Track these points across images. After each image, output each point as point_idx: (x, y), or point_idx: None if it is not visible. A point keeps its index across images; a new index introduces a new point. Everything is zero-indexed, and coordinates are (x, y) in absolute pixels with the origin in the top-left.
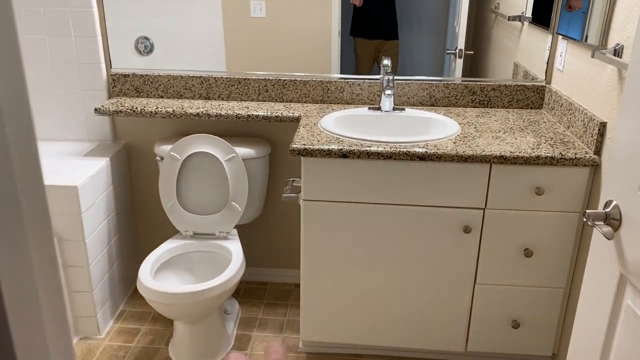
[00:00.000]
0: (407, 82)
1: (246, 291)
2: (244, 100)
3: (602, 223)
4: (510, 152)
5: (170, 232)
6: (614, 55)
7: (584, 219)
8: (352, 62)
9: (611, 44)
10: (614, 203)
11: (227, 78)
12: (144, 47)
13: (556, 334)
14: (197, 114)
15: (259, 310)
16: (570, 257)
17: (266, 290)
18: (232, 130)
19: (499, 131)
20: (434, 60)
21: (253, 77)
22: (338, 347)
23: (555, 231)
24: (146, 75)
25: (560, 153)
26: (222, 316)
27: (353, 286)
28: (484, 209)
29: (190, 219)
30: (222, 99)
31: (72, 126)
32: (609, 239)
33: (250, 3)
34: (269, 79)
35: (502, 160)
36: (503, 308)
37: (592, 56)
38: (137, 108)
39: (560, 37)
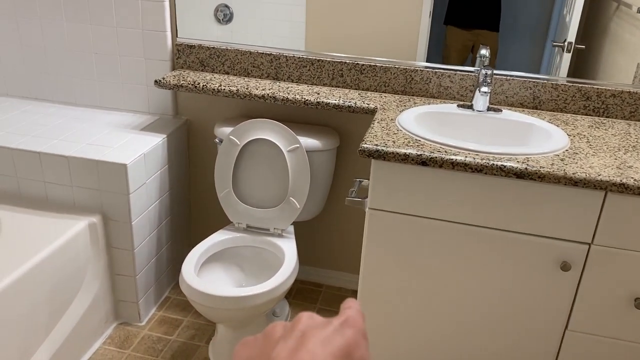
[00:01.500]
0: (507, 78)
1: (299, 291)
2: (315, 85)
3: None
4: (635, 180)
5: (225, 220)
6: None
7: None
8: (441, 52)
9: None
10: None
11: (299, 58)
12: (223, 15)
13: None
14: (263, 96)
15: None
16: None
17: (321, 292)
18: (299, 116)
19: (619, 150)
20: (531, 53)
21: (328, 59)
22: None
23: None
24: (213, 48)
25: None
26: (270, 319)
27: (415, 313)
28: (589, 244)
29: (245, 210)
30: (292, 81)
31: (133, 97)
32: None
33: None
34: (345, 63)
35: (623, 189)
36: None
37: None
38: (199, 84)
39: None
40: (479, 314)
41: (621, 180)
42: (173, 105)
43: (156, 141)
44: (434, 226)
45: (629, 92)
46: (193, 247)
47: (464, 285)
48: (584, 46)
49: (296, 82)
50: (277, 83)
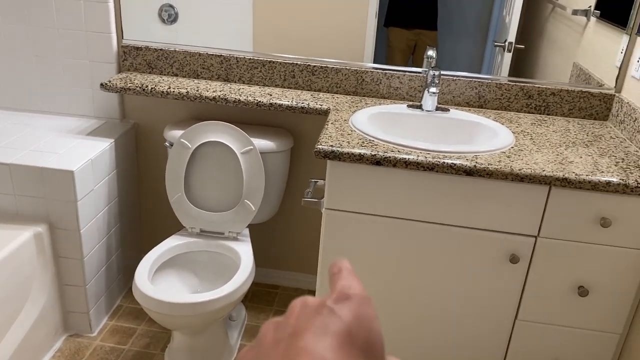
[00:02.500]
0: (453, 78)
1: (255, 294)
2: (267, 86)
3: None
4: (576, 174)
5: (178, 225)
6: None
7: None
8: (390, 54)
9: None
10: None
11: (250, 59)
12: (168, 15)
13: None
14: (214, 97)
15: (267, 318)
16: (632, 300)
17: (277, 294)
18: (251, 118)
19: (560, 145)
20: (473, 53)
21: (279, 61)
22: None
23: (618, 270)
24: (160, 49)
25: (637, 180)
26: (226, 324)
27: (375, 306)
28: (536, 237)
29: (198, 214)
30: (243, 83)
31: (78, 100)
32: None
33: None
34: (296, 64)
35: (565, 183)
36: (545, 349)
37: None
38: (147, 86)
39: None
40: (436, 307)
41: (563, 175)
42: (120, 108)
43: (103, 146)
44: (390, 224)
45: (567, 90)
46: (145, 253)
47: (421, 280)
48: (523, 46)
49: (248, 84)
50: (228, 85)
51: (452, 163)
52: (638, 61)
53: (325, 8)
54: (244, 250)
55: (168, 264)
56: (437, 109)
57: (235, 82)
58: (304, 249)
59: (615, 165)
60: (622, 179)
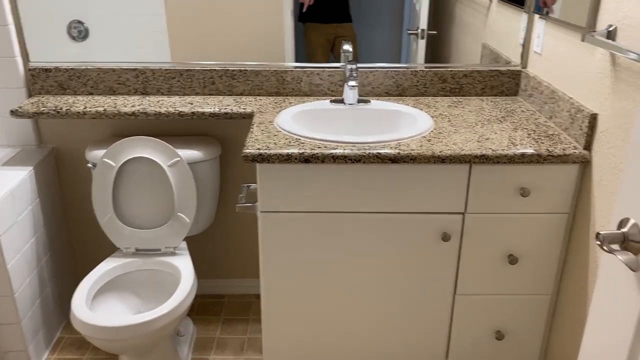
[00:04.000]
0: (371, 70)
1: (201, 307)
2: (187, 95)
3: (618, 247)
4: (492, 149)
5: (112, 247)
6: (608, 38)
7: (597, 242)
8: (310, 50)
9: (600, 25)
10: (632, 222)
11: (166, 70)
12: (78, 32)
13: (542, 343)
14: (133, 112)
15: (216, 329)
16: (557, 262)
17: (224, 304)
18: (175, 129)
19: (476, 124)
20: (391, 42)
21: (197, 68)
22: None
23: (542, 235)
24: (71, 69)
25: (547, 149)
26: (175, 340)
27: (319, 301)
28: (463, 214)
29: (131, 233)
30: (162, 94)
31: None
32: (634, 270)
33: None
34: (215, 70)
35: (484, 159)
36: (486, 319)
37: (583, 39)
38: (61, 108)
39: (537, 16)
40: (378, 292)
41: (481, 152)
42: (36, 134)
43: (22, 175)
44: (324, 218)
45: (478, 71)
46: (80, 280)
47: (360, 267)
48: (435, 32)
49: (167, 95)
50: (147, 98)
51: (377, 153)
52: (538, 37)
53: (240, 11)
54: (183, 264)
55: (107, 288)
56: (359, 101)
57: (153, 94)
58: (245, 255)
59: (528, 137)
60: (536, 150)
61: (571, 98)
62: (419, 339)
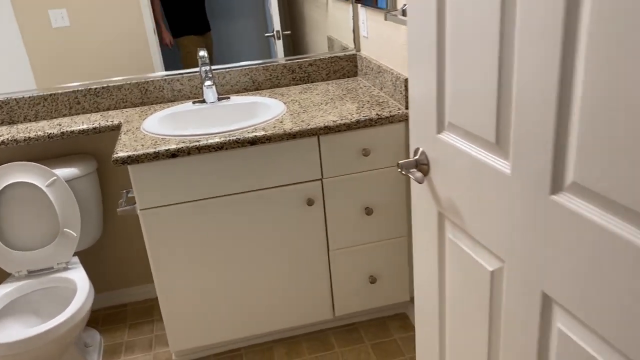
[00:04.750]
0: (227, 70)
1: (106, 318)
2: (54, 118)
3: (415, 170)
4: (333, 121)
5: (3, 274)
6: (403, 15)
7: (398, 169)
8: (179, 61)
9: (400, 5)
10: (420, 150)
11: (29, 97)
12: None
13: (409, 278)
14: (3, 141)
15: (123, 334)
16: (405, 207)
17: (127, 311)
18: (50, 151)
19: (322, 104)
20: (260, 45)
21: (60, 92)
22: (212, 347)
23: (387, 186)
24: None
25: (377, 114)
26: (83, 351)
27: (212, 284)
28: (321, 179)
29: (20, 257)
30: (29, 121)
31: None
32: (420, 182)
33: (49, 13)
34: (79, 90)
35: (327, 130)
36: (359, 267)
37: (385, 19)
38: None
39: (359, 5)
40: (260, 262)
41: (325, 124)
42: None
43: None
44: (201, 206)
45: (321, 59)
46: None
47: (241, 244)
48: (290, 32)
49: (35, 121)
50: (15, 126)
51: (237, 139)
52: (363, 23)
53: (101, 31)
54: (78, 276)
55: (4, 314)
56: (220, 99)
57: (21, 122)
58: (139, 260)
59: (363, 107)
60: (367, 115)
61: (392, 69)
62: (307, 296)
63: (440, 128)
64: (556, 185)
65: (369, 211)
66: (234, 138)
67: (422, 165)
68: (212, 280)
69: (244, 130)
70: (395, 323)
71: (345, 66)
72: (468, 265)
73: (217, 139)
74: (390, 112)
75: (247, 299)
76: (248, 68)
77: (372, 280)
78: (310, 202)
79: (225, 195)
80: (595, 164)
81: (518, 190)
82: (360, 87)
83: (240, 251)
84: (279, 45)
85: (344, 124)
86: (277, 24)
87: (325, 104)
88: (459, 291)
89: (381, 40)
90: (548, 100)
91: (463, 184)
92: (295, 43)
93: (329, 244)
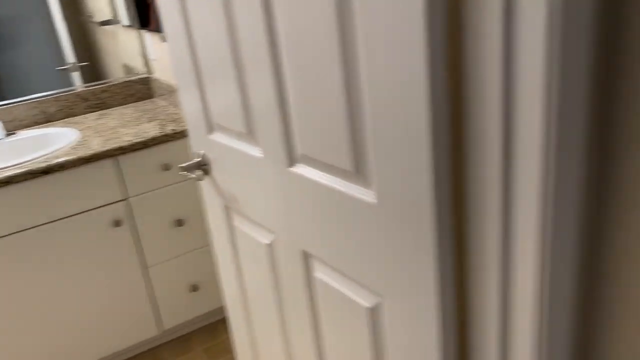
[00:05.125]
0: (14, 105)
1: None
2: None
3: (197, 170)
4: (128, 140)
5: None
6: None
7: (182, 172)
8: None
9: None
10: (202, 152)
11: None
12: None
13: None
14: None
15: None
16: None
17: None
18: None
19: (118, 127)
20: (55, 76)
21: None
22: None
23: (193, 196)
24: None
25: (172, 129)
26: None
27: (28, 325)
28: (127, 199)
29: None
30: None
31: None
32: (200, 180)
33: None
34: None
35: (124, 150)
36: (179, 278)
37: (163, 41)
38: None
39: (142, 31)
40: (75, 294)
41: (119, 145)
42: None
43: None
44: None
45: (115, 84)
46: None
47: (51, 276)
48: (88, 62)
49: None
50: None
51: (28, 170)
52: (149, 47)
53: None
54: None
55: None
56: (8, 135)
57: None
58: None
59: (159, 125)
60: (162, 132)
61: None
62: (130, 316)
63: (210, 130)
64: (292, 159)
65: (179, 223)
66: (25, 170)
67: (204, 166)
68: (26, 316)
69: (35, 160)
70: (224, 325)
71: (140, 89)
72: (252, 244)
73: (7, 173)
74: (184, 126)
75: (68, 331)
76: (37, 101)
77: (194, 288)
78: (117, 223)
79: (22, 231)
80: (308, 139)
81: (270, 169)
82: (157, 107)
83: (49, 282)
84: (76, 76)
85: (140, 142)
86: (70, 56)
87: (122, 127)
88: (252, 273)
89: (167, 62)
90: (271, 106)
91: (234, 174)
92: (95, 73)
93: (146, 260)
